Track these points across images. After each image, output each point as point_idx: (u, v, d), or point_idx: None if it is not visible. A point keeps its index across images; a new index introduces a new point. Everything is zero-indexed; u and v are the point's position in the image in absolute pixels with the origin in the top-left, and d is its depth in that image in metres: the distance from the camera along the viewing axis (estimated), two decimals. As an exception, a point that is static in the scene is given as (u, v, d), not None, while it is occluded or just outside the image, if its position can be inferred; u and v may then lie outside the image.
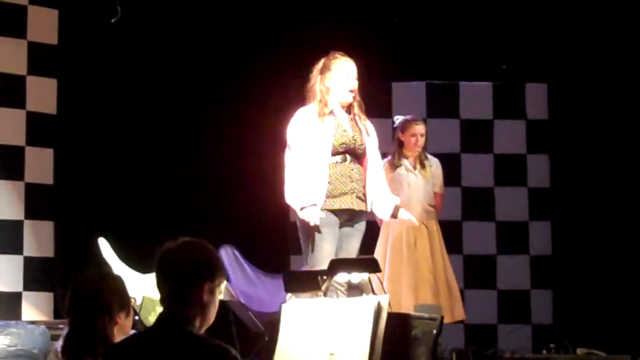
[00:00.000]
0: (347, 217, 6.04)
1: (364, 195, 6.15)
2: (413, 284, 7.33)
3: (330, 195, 5.96)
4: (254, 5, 9.15)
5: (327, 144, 6.00)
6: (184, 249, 3.35)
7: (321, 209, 5.93)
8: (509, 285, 9.38)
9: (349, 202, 6.02)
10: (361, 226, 6.16)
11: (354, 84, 6.12)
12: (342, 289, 5.54)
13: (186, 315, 3.29)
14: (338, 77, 6.09)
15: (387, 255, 7.43)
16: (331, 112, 6.07)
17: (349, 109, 6.17)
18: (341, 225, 6.03)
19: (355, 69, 6.15)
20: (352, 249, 6.09)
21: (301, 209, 5.92)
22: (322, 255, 5.86)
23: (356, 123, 6.17)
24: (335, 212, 5.97)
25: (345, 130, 6.10)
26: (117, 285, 3.76)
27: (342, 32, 8.40)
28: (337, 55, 6.17)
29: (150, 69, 8.85)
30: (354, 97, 6.16)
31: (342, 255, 5.92)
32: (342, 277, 4.05)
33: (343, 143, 6.06)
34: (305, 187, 5.95)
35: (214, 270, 3.36)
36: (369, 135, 6.19)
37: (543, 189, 9.52)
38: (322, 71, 6.12)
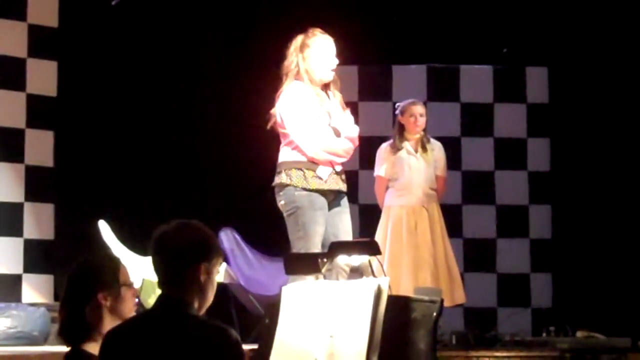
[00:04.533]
0: (333, 197, 6.01)
1: (342, 173, 6.14)
2: (413, 267, 7.33)
3: (318, 176, 5.93)
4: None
5: (324, 125, 5.98)
6: (178, 230, 3.34)
7: (311, 190, 5.91)
8: (508, 268, 9.40)
9: (335, 183, 6.00)
10: (347, 204, 6.11)
11: (335, 62, 6.07)
12: (346, 268, 5.52)
13: (184, 297, 3.29)
14: (319, 57, 6.02)
15: (388, 238, 7.43)
16: (321, 90, 6.05)
17: (325, 85, 6.12)
18: (329, 206, 5.99)
19: (334, 46, 6.08)
20: (348, 228, 6.04)
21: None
22: (316, 239, 5.83)
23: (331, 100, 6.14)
24: (324, 192, 5.94)
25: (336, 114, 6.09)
26: (99, 269, 3.71)
27: (343, 15, 8.38)
28: (316, 33, 6.06)
29: (151, 51, 8.85)
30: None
31: (342, 236, 5.89)
32: (342, 260, 4.04)
33: (334, 128, 6.05)
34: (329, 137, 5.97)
35: (209, 251, 3.35)
36: (344, 110, 6.16)
37: (543, 172, 9.53)
38: (302, 50, 6.02)
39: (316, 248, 5.79)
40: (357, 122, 6.23)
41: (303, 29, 6.15)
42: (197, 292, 3.31)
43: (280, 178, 6.00)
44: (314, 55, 6.01)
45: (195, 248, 3.32)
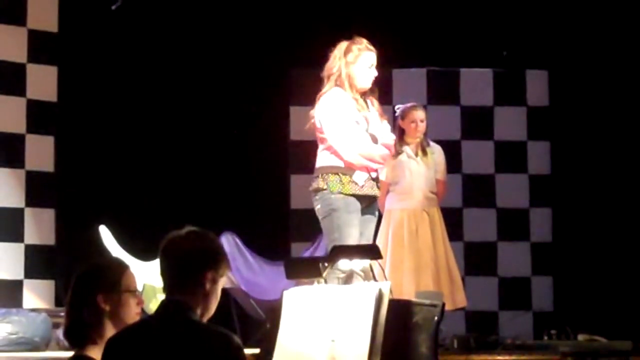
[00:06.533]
0: (367, 203, 6.07)
1: (378, 180, 6.20)
2: (414, 270, 7.33)
3: (354, 181, 5.99)
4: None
5: (362, 131, 6.06)
6: (187, 237, 3.36)
7: (347, 194, 5.97)
8: (509, 272, 9.39)
9: (371, 189, 6.06)
10: (376, 210, 6.25)
11: (375, 73, 6.17)
12: (362, 274, 5.56)
13: (188, 303, 3.29)
14: (362, 66, 6.11)
15: (389, 242, 7.43)
16: (360, 98, 6.12)
17: (363, 93, 6.19)
18: (361, 212, 6.06)
19: (376, 57, 6.18)
20: (371, 234, 6.19)
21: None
22: (350, 241, 5.88)
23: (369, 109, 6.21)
24: (359, 197, 5.99)
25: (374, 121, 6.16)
26: (101, 272, 3.70)
27: (343, 18, 8.39)
28: (362, 41, 6.17)
29: (151, 56, 8.85)
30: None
31: (364, 241, 5.98)
32: (343, 264, 4.05)
33: (372, 134, 6.13)
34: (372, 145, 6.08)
35: (218, 260, 3.37)
36: (382, 119, 6.23)
37: (544, 175, 9.53)
38: (346, 56, 6.12)
39: None
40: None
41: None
42: (200, 299, 3.32)
43: (317, 183, 6.07)
44: (357, 63, 6.12)
45: (202, 255, 3.33)
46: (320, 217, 6.08)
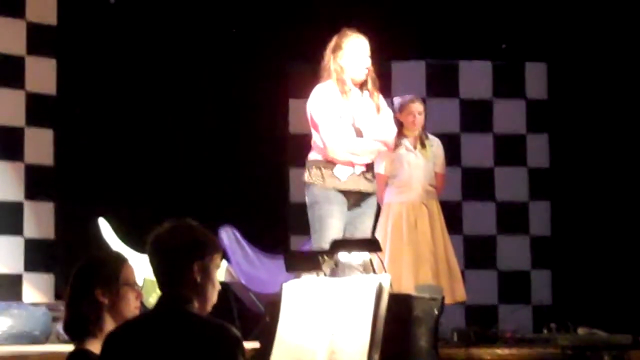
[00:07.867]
0: (356, 197, 6.05)
1: (372, 176, 6.16)
2: (413, 264, 7.32)
3: (335, 175, 5.97)
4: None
5: (346, 125, 6.02)
6: (169, 232, 3.36)
7: (329, 188, 5.96)
8: (509, 265, 9.39)
9: (354, 184, 6.02)
10: (371, 204, 6.18)
11: (367, 62, 6.11)
12: (360, 268, 5.55)
13: (183, 297, 3.29)
14: (350, 55, 6.07)
15: (388, 236, 7.42)
16: (350, 90, 6.06)
17: (361, 85, 6.14)
18: (351, 207, 6.03)
19: (368, 46, 6.12)
20: (366, 228, 6.12)
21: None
22: (330, 233, 5.86)
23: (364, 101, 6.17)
24: (344, 192, 5.98)
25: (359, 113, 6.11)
26: (99, 265, 3.71)
27: (341, 10, 8.38)
28: (348, 32, 6.13)
29: (150, 49, 8.85)
30: (368, 74, 6.13)
31: (359, 236, 5.96)
32: (343, 257, 4.04)
33: (357, 128, 6.09)
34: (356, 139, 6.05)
35: (201, 249, 3.34)
36: (379, 112, 6.17)
37: (543, 168, 9.53)
38: (334, 50, 6.09)
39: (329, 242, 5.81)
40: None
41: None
42: (195, 291, 3.31)
43: (304, 176, 6.11)
44: (345, 55, 6.08)
45: (186, 248, 3.32)
46: (307, 209, 6.10)
